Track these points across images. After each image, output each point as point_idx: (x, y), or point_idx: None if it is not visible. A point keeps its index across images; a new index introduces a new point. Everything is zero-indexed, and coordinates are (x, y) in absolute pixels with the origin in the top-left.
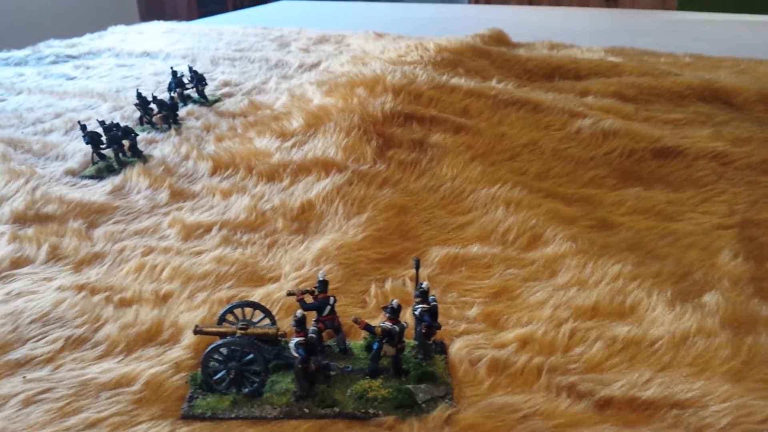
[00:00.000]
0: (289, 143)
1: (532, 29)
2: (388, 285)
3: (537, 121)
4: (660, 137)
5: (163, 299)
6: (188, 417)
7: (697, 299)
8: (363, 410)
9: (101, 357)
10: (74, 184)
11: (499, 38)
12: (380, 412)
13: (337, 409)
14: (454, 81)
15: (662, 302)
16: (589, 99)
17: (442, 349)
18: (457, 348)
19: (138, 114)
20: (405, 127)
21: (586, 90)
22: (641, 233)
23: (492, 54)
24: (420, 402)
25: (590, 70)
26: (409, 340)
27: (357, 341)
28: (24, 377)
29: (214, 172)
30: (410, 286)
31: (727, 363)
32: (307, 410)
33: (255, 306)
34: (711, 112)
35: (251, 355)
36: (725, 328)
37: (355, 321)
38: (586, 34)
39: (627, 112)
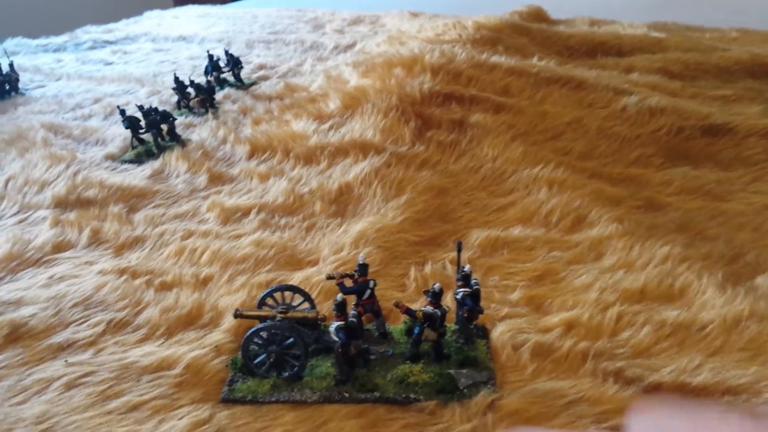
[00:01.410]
0: (326, 125)
1: (570, 4)
2: (427, 268)
3: (580, 99)
4: (708, 114)
5: (203, 283)
6: (228, 400)
7: (750, 282)
8: (404, 395)
9: (142, 340)
10: (114, 169)
11: (538, 14)
12: (421, 397)
13: (377, 394)
14: (494, 59)
15: (713, 285)
16: (633, 76)
17: (484, 333)
18: (499, 332)
19: (175, 98)
20: (444, 107)
21: (630, 66)
22: (690, 213)
23: (532, 31)
24: (462, 387)
25: (634, 46)
26: (451, 325)
27: (397, 325)
28: (66, 361)
29: (251, 155)
30: (450, 269)
31: None
32: (347, 394)
33: (294, 290)
34: (761, 88)
35: (291, 339)
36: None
37: (396, 305)
38: (626, 8)
39: (673, 89)
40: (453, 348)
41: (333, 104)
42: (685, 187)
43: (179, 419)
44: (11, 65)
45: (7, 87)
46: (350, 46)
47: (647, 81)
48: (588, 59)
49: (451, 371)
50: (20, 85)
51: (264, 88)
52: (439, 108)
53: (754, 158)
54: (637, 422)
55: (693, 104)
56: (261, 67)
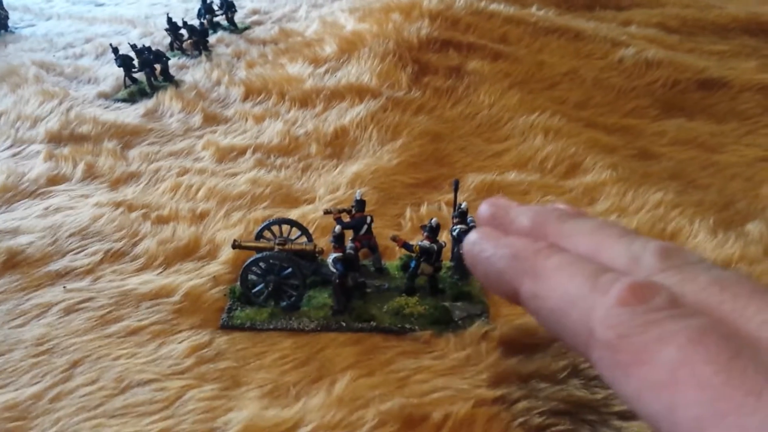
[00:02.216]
0: (322, 69)
1: None
2: (423, 209)
3: (578, 50)
4: (704, 68)
5: (199, 217)
6: (227, 327)
7: (740, 228)
8: (399, 325)
9: (140, 270)
10: (107, 107)
11: None
12: (416, 327)
13: (373, 324)
14: (493, 7)
15: (704, 229)
16: (631, 29)
17: None
18: None
19: (168, 40)
20: (441, 53)
21: (627, 21)
22: (683, 163)
23: None
24: (456, 319)
25: (632, 1)
26: (446, 261)
27: (393, 261)
28: (64, 287)
29: (246, 97)
30: (446, 210)
31: None
32: (344, 324)
33: (292, 223)
34: (757, 45)
35: (289, 270)
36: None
37: (393, 239)
38: None
39: (671, 43)
40: (448, 283)
41: (329, 48)
42: (678, 138)
43: (179, 343)
44: (0, 3)
45: None
46: None
47: (645, 34)
48: (586, 12)
49: (446, 304)
50: (10, 24)
51: (258, 32)
52: (437, 54)
53: (749, 112)
54: (692, 271)
55: (690, 58)
56: (255, 12)
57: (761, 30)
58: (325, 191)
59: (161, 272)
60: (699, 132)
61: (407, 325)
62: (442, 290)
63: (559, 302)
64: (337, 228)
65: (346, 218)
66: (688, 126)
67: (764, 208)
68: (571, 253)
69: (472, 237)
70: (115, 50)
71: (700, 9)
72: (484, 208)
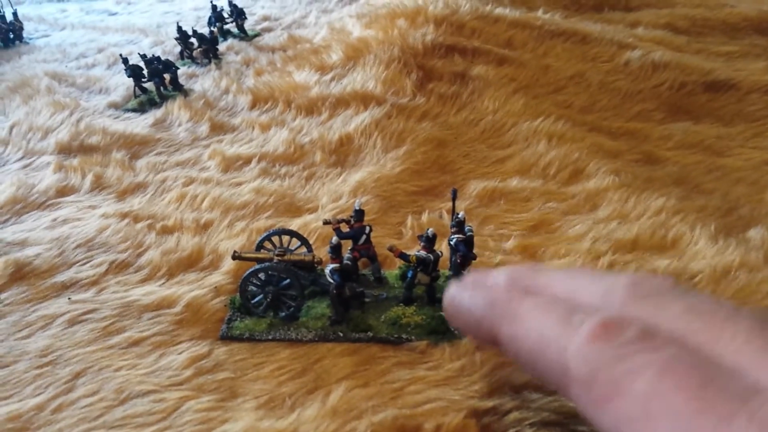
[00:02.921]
0: (328, 77)
1: None
2: (424, 217)
3: (584, 53)
4: (711, 70)
5: (203, 227)
6: (227, 338)
7: (742, 234)
8: (396, 335)
9: (144, 281)
10: (117, 117)
11: None
12: (413, 337)
13: (370, 334)
14: (498, 11)
15: (705, 236)
16: (639, 30)
17: None
18: None
19: (179, 48)
20: (446, 59)
21: (636, 21)
22: (688, 168)
23: None
24: (452, 329)
25: (641, 1)
26: (444, 270)
27: (392, 270)
28: (69, 298)
29: (253, 105)
30: (447, 218)
31: None
32: (341, 334)
33: (292, 234)
34: None
35: (288, 280)
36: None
37: (390, 249)
38: None
39: (678, 44)
40: None
41: (335, 55)
42: (684, 141)
43: (179, 354)
44: (15, 14)
45: (11, 36)
46: None
47: (652, 36)
48: (594, 13)
49: (443, 313)
50: (24, 35)
51: (267, 39)
52: (441, 60)
53: (756, 114)
54: (662, 299)
55: (697, 59)
56: (265, 18)
57: None
58: (327, 200)
59: (164, 283)
60: (705, 135)
61: (404, 336)
62: (439, 300)
63: (536, 343)
64: (334, 239)
65: (345, 228)
66: (694, 129)
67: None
68: (544, 296)
69: (450, 290)
70: (125, 60)
71: (711, 8)
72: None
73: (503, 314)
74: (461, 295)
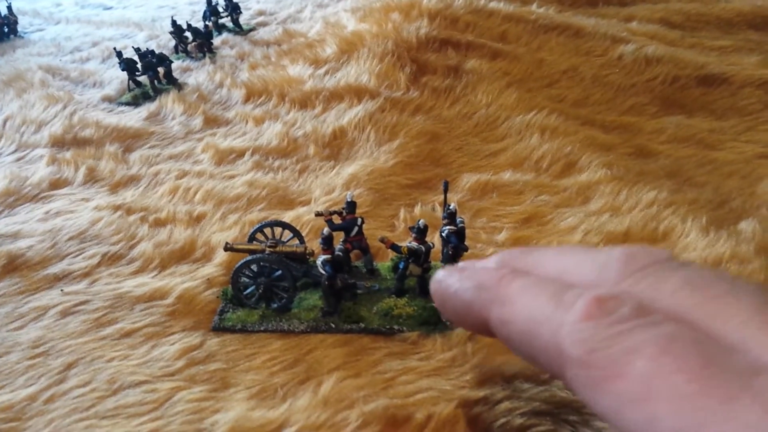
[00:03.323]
0: (322, 70)
1: None
2: (417, 210)
3: (577, 47)
4: (705, 64)
5: (196, 220)
6: (219, 329)
7: (733, 226)
8: (388, 326)
9: (136, 272)
10: (111, 110)
11: None
12: (405, 328)
13: (362, 325)
14: (493, 5)
15: (696, 228)
16: (633, 25)
17: None
18: None
19: (173, 42)
20: (440, 52)
21: (630, 16)
22: (680, 161)
23: None
24: (444, 320)
25: None
26: (436, 262)
27: (384, 263)
28: (62, 290)
29: (247, 99)
30: (439, 210)
31: None
32: (333, 325)
33: (284, 226)
34: (761, 40)
35: (280, 272)
36: (760, 254)
37: (382, 240)
38: None
39: (672, 39)
40: None
41: (329, 49)
42: (677, 135)
43: (171, 345)
44: (9, 8)
45: (6, 30)
46: None
47: (646, 30)
48: (589, 8)
49: (434, 304)
50: (19, 28)
51: (262, 34)
52: (435, 54)
53: (749, 108)
54: (661, 270)
55: (690, 54)
56: (260, 13)
57: (765, 23)
58: (320, 193)
59: (156, 275)
60: (698, 129)
61: (395, 326)
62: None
63: (527, 324)
64: (326, 230)
65: (338, 220)
66: (687, 123)
67: (759, 206)
68: (533, 276)
69: (437, 275)
70: (119, 54)
71: (705, 3)
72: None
73: (492, 297)
74: (449, 279)
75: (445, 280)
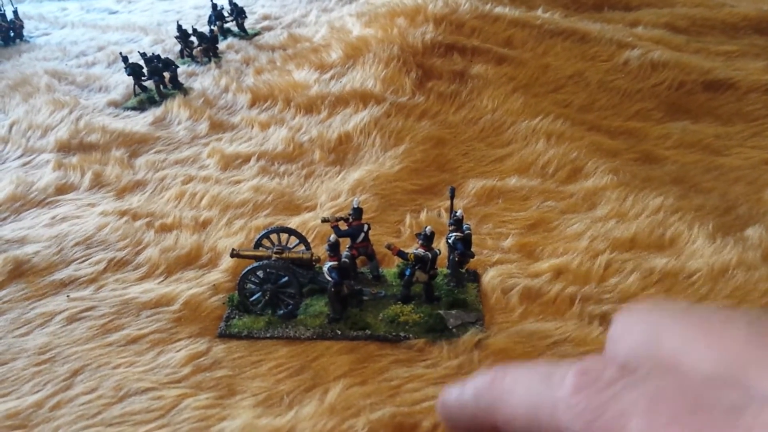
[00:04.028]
0: (328, 75)
1: None
2: (423, 216)
3: (583, 52)
4: (711, 69)
5: (202, 225)
6: (225, 335)
7: (740, 233)
8: (394, 333)
9: (142, 278)
10: (117, 115)
11: None
12: (411, 335)
13: (368, 332)
14: (498, 10)
15: (703, 235)
16: (638, 29)
17: (475, 277)
18: (490, 277)
19: (179, 47)
20: (446, 58)
21: (636, 21)
22: (686, 167)
23: None
24: (450, 327)
25: (641, 1)
26: (443, 269)
27: (390, 269)
28: (68, 296)
29: (252, 104)
30: (445, 216)
31: (766, 296)
32: (339, 332)
33: (290, 232)
34: (767, 45)
35: (286, 278)
36: (767, 261)
37: (388, 247)
38: None
39: (678, 44)
40: (444, 290)
41: (335, 54)
42: (683, 141)
43: (177, 351)
44: (15, 12)
45: (12, 34)
46: None
47: (652, 35)
48: (594, 13)
49: (441, 312)
50: (25, 33)
51: (267, 38)
52: (441, 59)
53: (755, 113)
54: (625, 321)
55: (696, 59)
56: (265, 17)
57: None
58: (326, 198)
59: (162, 281)
60: (704, 134)
61: (402, 333)
62: (437, 297)
63: (528, 415)
64: (332, 237)
65: (344, 226)
66: (693, 128)
67: (766, 212)
68: (521, 366)
69: (440, 401)
70: (125, 59)
71: (710, 8)
72: None
73: (491, 400)
74: (447, 398)
75: (446, 400)
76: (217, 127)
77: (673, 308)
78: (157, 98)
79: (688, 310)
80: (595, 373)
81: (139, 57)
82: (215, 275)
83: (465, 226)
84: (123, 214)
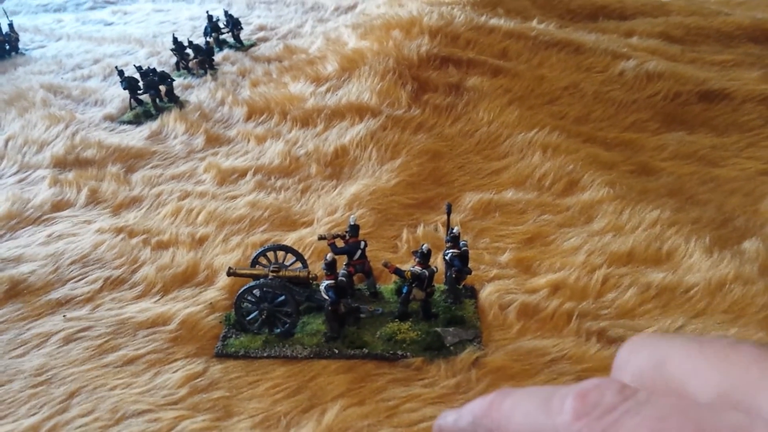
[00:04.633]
0: (324, 88)
1: None
2: (420, 230)
3: (578, 63)
4: (706, 79)
5: (198, 242)
6: (222, 355)
7: (737, 246)
8: (391, 351)
9: (139, 297)
10: (113, 129)
11: None
12: (408, 353)
13: (366, 350)
14: (493, 22)
15: (700, 249)
16: (633, 40)
17: (473, 293)
18: (487, 293)
19: (174, 59)
20: (441, 70)
21: (631, 30)
22: (682, 179)
23: None
24: (448, 345)
25: (636, 10)
26: (440, 285)
27: (388, 285)
28: (64, 316)
29: (249, 117)
30: (442, 231)
31: (764, 311)
32: (336, 351)
33: (287, 249)
34: (762, 53)
35: (283, 297)
36: (764, 275)
37: (385, 265)
38: None
39: (673, 54)
40: (441, 307)
41: (331, 66)
42: (679, 152)
43: (173, 372)
44: (11, 25)
45: (7, 47)
46: (351, 8)
47: (647, 45)
48: (589, 23)
49: (438, 329)
50: (20, 46)
51: (263, 49)
52: (436, 71)
53: (750, 124)
54: (631, 349)
55: (691, 69)
56: (261, 28)
57: (765, 37)
58: (323, 213)
59: (159, 299)
60: (700, 145)
61: (399, 352)
62: (435, 314)
63: None
64: (329, 255)
65: (341, 243)
66: (689, 139)
67: (763, 225)
68: (519, 391)
69: (436, 426)
70: (121, 73)
71: (705, 16)
72: None
73: (490, 427)
74: (446, 419)
75: (443, 420)
76: (214, 141)
77: (680, 336)
78: (153, 112)
79: (694, 338)
80: (594, 397)
81: (135, 70)
82: (212, 293)
83: (462, 243)
84: (119, 231)
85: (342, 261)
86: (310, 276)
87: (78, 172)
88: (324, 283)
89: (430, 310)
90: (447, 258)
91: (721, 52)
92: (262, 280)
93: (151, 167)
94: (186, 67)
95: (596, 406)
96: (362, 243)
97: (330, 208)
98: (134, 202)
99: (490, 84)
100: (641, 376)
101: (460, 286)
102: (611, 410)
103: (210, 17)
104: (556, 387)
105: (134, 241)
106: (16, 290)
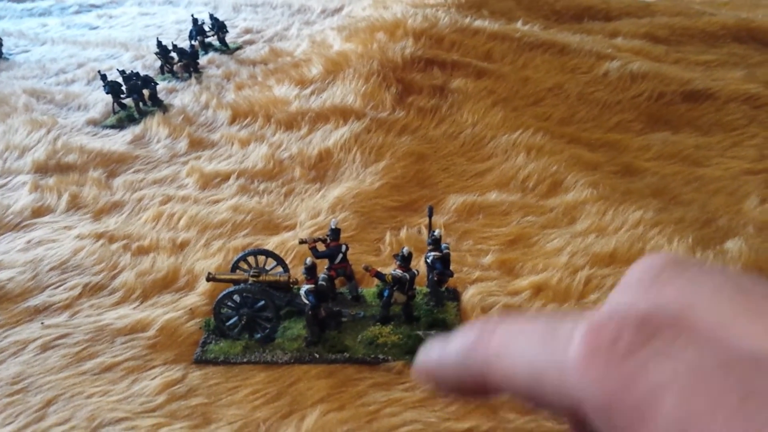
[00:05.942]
0: (308, 90)
1: None
2: (403, 233)
3: (563, 65)
4: (690, 80)
5: (179, 247)
6: (201, 361)
7: (720, 246)
8: (373, 355)
9: (118, 303)
10: (95, 134)
11: None
12: (390, 357)
13: (347, 355)
14: (478, 23)
15: (683, 248)
16: (618, 40)
17: (455, 296)
18: (470, 295)
19: (159, 63)
20: (425, 72)
21: (615, 31)
22: (666, 179)
23: None
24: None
25: (621, 11)
26: (422, 288)
27: (370, 289)
28: (42, 323)
29: (233, 120)
30: (425, 234)
31: None
32: (317, 355)
33: (268, 254)
34: (746, 53)
35: (263, 302)
36: (747, 275)
37: (366, 268)
38: None
39: (657, 54)
40: (423, 310)
41: (315, 69)
42: (663, 152)
43: (152, 379)
44: None
45: None
46: (338, 10)
47: (631, 46)
48: (574, 23)
49: (420, 332)
50: (4, 50)
51: (249, 52)
52: (421, 73)
53: (734, 123)
54: (649, 269)
55: (675, 69)
56: (247, 30)
57: (750, 37)
58: (306, 217)
59: (138, 305)
60: (684, 145)
61: (380, 356)
62: (416, 318)
63: (528, 375)
64: (309, 259)
65: (322, 247)
66: (673, 139)
67: (746, 224)
68: (515, 321)
69: (418, 361)
70: (104, 77)
71: (689, 17)
72: None
73: (482, 357)
74: (430, 353)
75: (425, 357)
76: (197, 145)
77: (710, 270)
78: (137, 116)
79: (728, 276)
80: (609, 333)
81: (118, 74)
82: (192, 299)
83: (443, 246)
84: (99, 236)
85: (323, 265)
86: (291, 280)
87: (59, 178)
88: (304, 288)
89: (412, 314)
90: (428, 261)
91: (706, 52)
92: (241, 285)
93: (133, 172)
94: (170, 71)
95: (613, 343)
96: (343, 246)
97: (313, 211)
98: (115, 207)
99: (474, 86)
100: (661, 310)
101: (443, 289)
102: (633, 351)
103: (195, 20)
104: (559, 315)
105: (114, 246)
106: None
